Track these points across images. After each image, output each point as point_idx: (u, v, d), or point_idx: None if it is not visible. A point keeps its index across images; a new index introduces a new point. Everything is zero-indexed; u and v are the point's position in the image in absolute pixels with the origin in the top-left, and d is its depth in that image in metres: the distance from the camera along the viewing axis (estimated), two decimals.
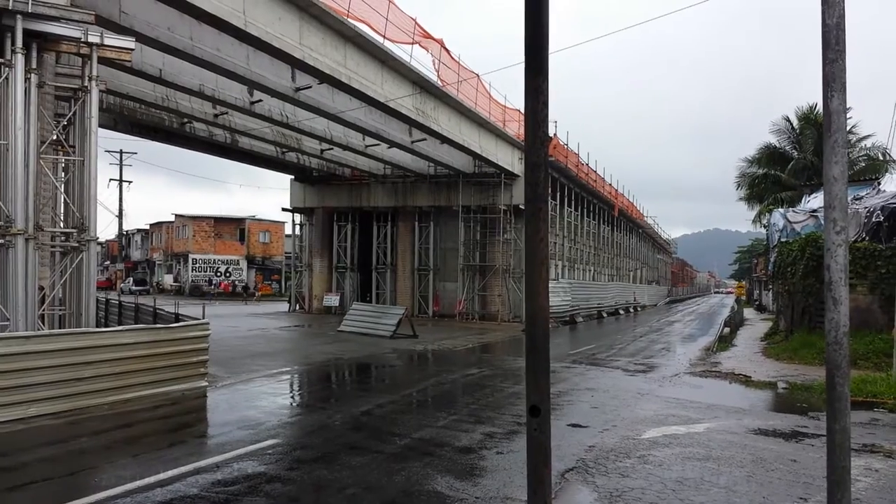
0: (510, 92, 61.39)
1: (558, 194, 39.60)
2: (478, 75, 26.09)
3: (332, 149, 31.02)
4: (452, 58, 23.83)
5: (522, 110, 9.47)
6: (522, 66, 3.01)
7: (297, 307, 40.76)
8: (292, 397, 13.24)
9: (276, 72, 18.57)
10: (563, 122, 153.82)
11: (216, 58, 16.44)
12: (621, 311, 47.52)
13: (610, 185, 51.16)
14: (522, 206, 27.58)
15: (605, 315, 42.20)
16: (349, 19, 17.77)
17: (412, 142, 27.12)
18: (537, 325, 3.73)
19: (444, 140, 26.51)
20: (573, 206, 43.50)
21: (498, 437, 9.11)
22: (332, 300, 38.15)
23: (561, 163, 36.51)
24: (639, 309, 54.21)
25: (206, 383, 12.43)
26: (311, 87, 19.72)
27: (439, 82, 23.30)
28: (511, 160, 32.82)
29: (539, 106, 3.66)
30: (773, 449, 8.71)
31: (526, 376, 3.51)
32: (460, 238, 34.81)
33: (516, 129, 30.47)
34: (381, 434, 9.37)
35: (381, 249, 37.90)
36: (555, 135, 35.52)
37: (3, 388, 9.24)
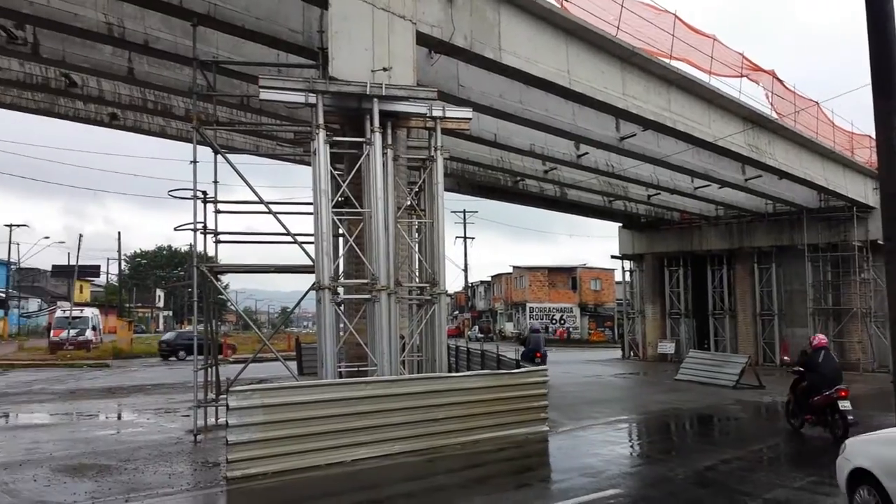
0: (856, 116, 54.99)
1: None
2: (817, 103, 23.90)
3: (658, 194, 30.57)
4: (787, 88, 22.21)
5: (873, 135, 8.48)
6: (868, 88, 2.80)
7: (631, 354, 40.31)
8: (631, 446, 13.10)
9: (601, 124, 19.02)
10: None
11: (544, 117, 17.42)
12: None
13: None
14: (881, 242, 24.38)
15: None
16: (672, 61, 17.58)
17: (746, 179, 25.58)
18: None
19: (782, 175, 24.57)
20: None
21: None
22: (667, 347, 37.04)
23: None
24: None
25: (547, 428, 12.83)
26: (635, 134, 19.81)
27: (773, 115, 21.81)
28: (864, 191, 29.21)
29: (893, 132, 3.35)
30: None
31: None
32: (808, 279, 31.53)
33: (868, 155, 27.10)
34: (728, 491, 8.84)
35: (717, 294, 35.98)
36: None
37: (374, 427, 10.47)
